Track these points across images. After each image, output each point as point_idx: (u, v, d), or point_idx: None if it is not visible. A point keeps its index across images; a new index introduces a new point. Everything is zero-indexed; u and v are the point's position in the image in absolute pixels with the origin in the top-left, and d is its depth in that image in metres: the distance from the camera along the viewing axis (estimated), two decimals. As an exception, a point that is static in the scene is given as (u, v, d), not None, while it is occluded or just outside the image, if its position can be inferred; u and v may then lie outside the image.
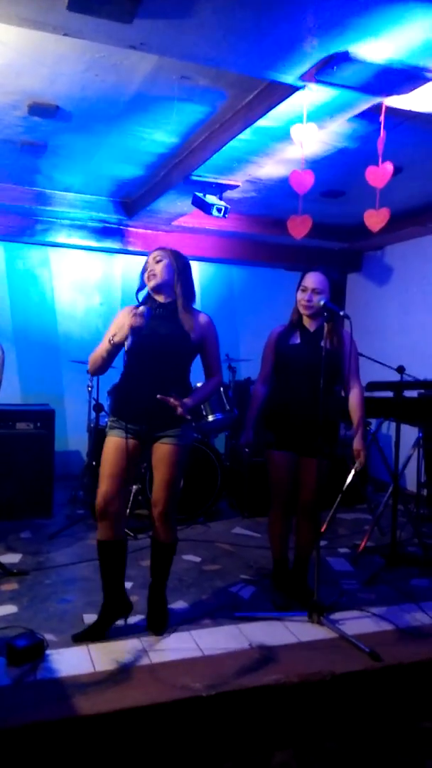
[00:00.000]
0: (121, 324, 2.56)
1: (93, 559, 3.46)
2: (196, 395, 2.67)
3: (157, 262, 2.62)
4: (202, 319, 2.69)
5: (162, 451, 2.62)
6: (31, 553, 3.64)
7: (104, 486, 2.57)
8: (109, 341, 2.55)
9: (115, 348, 2.55)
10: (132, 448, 2.60)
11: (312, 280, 2.86)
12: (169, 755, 2.15)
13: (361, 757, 2.23)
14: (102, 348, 2.59)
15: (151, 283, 2.62)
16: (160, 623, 2.71)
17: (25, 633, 2.49)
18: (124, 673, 2.33)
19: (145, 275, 2.64)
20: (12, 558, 3.55)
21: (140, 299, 2.71)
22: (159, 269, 2.61)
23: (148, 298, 2.69)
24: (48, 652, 2.45)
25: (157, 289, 2.62)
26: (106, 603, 2.66)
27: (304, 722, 2.35)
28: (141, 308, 2.55)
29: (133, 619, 2.79)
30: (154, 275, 2.61)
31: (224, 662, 2.44)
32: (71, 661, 2.41)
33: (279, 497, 2.98)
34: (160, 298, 2.65)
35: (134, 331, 2.48)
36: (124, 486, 2.62)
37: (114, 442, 2.59)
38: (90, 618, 2.78)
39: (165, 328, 2.61)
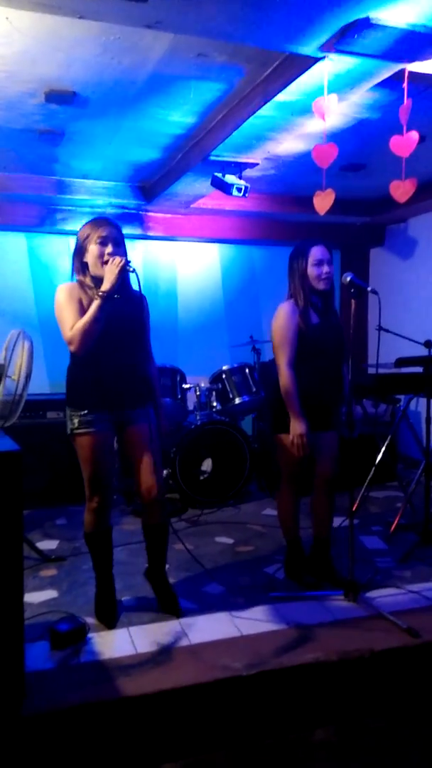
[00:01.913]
0: (76, 297, 2.46)
1: (128, 543, 3.52)
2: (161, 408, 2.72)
3: (117, 245, 2.49)
4: (143, 297, 2.62)
5: (140, 433, 2.57)
6: (68, 540, 3.69)
7: (102, 487, 2.55)
8: (100, 296, 2.38)
9: (106, 302, 2.39)
10: (110, 439, 2.56)
11: (324, 251, 2.82)
12: (211, 734, 2.18)
13: (403, 733, 2.24)
14: (93, 309, 2.39)
15: (123, 267, 2.40)
16: (174, 606, 2.68)
17: (67, 617, 2.54)
18: (164, 654, 2.37)
19: (104, 256, 2.45)
20: (49, 544, 3.61)
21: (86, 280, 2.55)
22: (118, 253, 2.49)
23: (81, 282, 2.53)
24: (90, 635, 2.50)
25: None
26: (106, 585, 2.70)
27: (344, 699, 2.36)
28: (116, 258, 2.41)
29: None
30: (119, 260, 2.44)
31: (263, 642, 2.46)
32: (113, 643, 2.45)
33: (295, 476, 2.93)
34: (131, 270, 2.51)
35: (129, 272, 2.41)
36: (114, 477, 2.62)
37: (94, 440, 2.49)
38: (128, 600, 2.83)
39: (123, 308, 2.54)
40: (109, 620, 2.60)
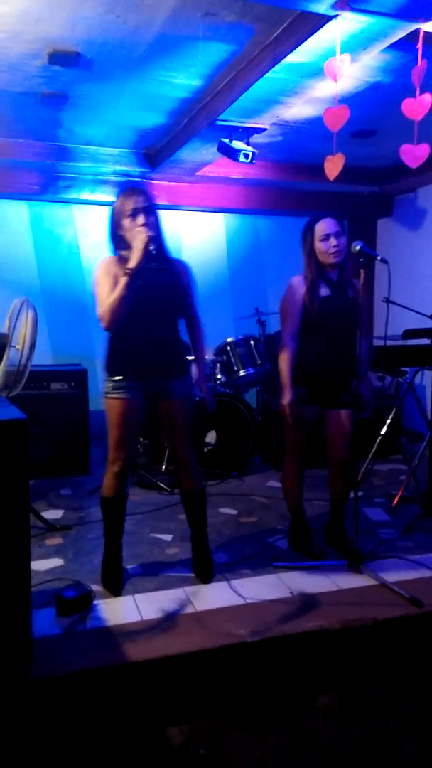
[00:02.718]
0: (112, 273, 2.44)
1: (134, 513, 3.55)
2: (202, 364, 2.75)
3: (150, 214, 2.46)
4: (183, 266, 2.60)
5: (173, 405, 2.60)
6: (73, 509, 3.72)
7: (124, 451, 2.58)
8: (126, 273, 2.36)
9: (134, 280, 2.38)
10: (139, 407, 2.58)
11: (330, 225, 2.77)
12: (215, 699, 2.22)
13: (405, 700, 2.27)
14: (120, 288, 2.38)
15: (147, 243, 2.36)
16: (206, 571, 2.76)
17: (73, 584, 2.56)
18: (170, 621, 2.39)
19: (138, 228, 2.41)
20: (54, 514, 3.63)
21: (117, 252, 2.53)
22: (151, 222, 2.46)
23: (121, 256, 2.51)
24: (96, 602, 2.52)
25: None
26: (115, 553, 2.73)
27: (347, 667, 2.39)
28: (142, 234, 2.39)
29: (175, 570, 2.85)
30: (150, 228, 2.42)
31: (267, 609, 2.48)
32: (118, 610, 2.47)
33: (299, 451, 2.93)
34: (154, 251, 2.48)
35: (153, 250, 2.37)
36: (137, 445, 2.63)
37: (121, 404, 2.53)
38: (133, 569, 2.86)
39: (158, 280, 2.51)
40: (115, 587, 2.62)
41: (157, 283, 2.50)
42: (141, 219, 2.43)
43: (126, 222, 2.46)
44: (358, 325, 2.79)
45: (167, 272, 2.55)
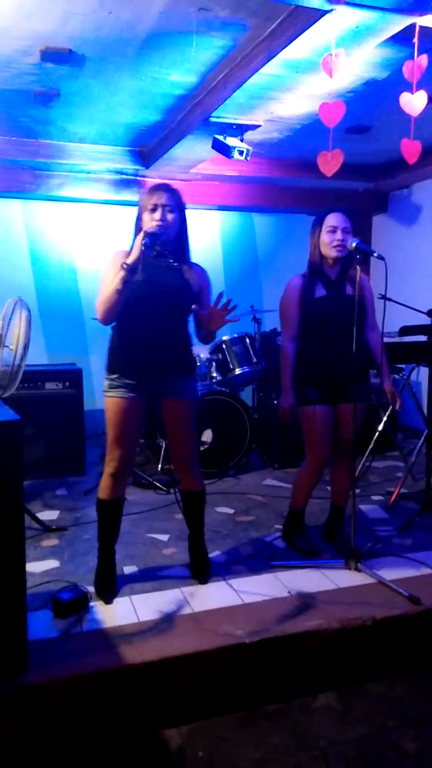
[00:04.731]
0: (119, 265, 2.37)
1: (130, 514, 3.52)
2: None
3: (170, 212, 2.45)
4: (199, 270, 2.60)
5: (174, 408, 2.56)
6: (68, 510, 3.69)
7: (120, 450, 2.52)
8: (123, 267, 2.30)
9: (130, 275, 2.32)
10: (138, 407, 2.52)
11: (339, 219, 2.74)
12: (213, 700, 2.20)
13: (404, 699, 2.26)
14: (115, 282, 2.33)
15: (144, 238, 2.35)
16: (203, 572, 2.74)
17: (69, 586, 2.54)
18: (167, 622, 2.37)
19: (152, 222, 2.41)
20: (50, 515, 3.61)
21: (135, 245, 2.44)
22: (170, 220, 2.44)
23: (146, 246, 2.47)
24: (92, 604, 2.50)
25: (162, 239, 2.42)
26: (106, 558, 2.66)
27: (346, 666, 2.38)
28: (151, 227, 2.38)
29: (172, 571, 2.83)
30: (167, 226, 2.42)
31: (264, 609, 2.46)
32: (115, 612, 2.45)
33: (321, 452, 2.88)
34: (157, 247, 2.45)
35: (148, 243, 2.30)
36: (135, 446, 2.59)
37: (118, 403, 2.48)
38: (130, 570, 2.83)
39: (165, 277, 2.49)
40: (108, 595, 2.57)
41: (164, 281, 2.47)
42: (157, 215, 2.42)
43: (146, 216, 2.45)
44: (359, 322, 2.76)
45: (177, 272, 2.51)
